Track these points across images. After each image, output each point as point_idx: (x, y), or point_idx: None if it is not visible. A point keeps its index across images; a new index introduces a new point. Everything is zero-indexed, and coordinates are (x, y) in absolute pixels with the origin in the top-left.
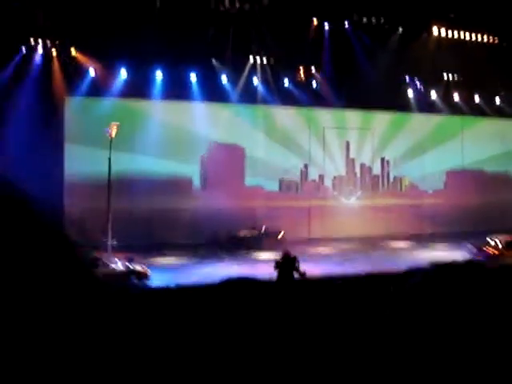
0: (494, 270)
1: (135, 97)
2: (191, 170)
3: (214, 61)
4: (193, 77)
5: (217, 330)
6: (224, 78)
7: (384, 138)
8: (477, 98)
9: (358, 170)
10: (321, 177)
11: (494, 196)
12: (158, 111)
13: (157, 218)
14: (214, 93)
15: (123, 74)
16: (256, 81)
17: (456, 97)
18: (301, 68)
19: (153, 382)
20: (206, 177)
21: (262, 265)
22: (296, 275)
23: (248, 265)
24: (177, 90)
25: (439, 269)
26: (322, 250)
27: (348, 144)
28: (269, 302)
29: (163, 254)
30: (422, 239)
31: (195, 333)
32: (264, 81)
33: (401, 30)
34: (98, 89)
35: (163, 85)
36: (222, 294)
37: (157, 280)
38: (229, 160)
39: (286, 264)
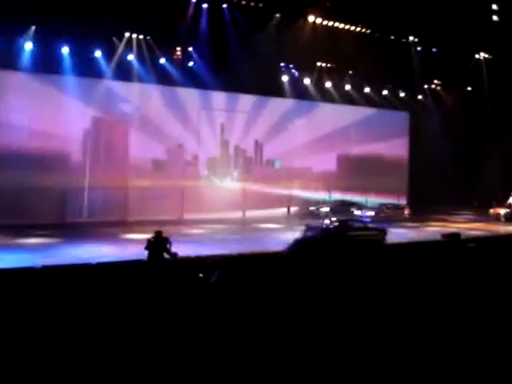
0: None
1: (4, 68)
2: (68, 146)
3: (87, 35)
4: (65, 50)
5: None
6: (98, 53)
7: (256, 120)
8: (347, 86)
9: (231, 151)
10: (195, 157)
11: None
12: (28, 84)
13: (27, 196)
14: (87, 67)
15: None
16: (131, 57)
17: (328, 84)
18: (178, 48)
19: None
20: (85, 153)
21: (132, 245)
22: (167, 256)
23: (118, 245)
24: (48, 63)
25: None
26: (195, 231)
27: (222, 126)
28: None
29: (30, 235)
30: (292, 220)
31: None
32: (140, 58)
33: (278, 15)
34: None
35: (33, 57)
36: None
37: (23, 261)
38: (110, 136)
39: (157, 244)
